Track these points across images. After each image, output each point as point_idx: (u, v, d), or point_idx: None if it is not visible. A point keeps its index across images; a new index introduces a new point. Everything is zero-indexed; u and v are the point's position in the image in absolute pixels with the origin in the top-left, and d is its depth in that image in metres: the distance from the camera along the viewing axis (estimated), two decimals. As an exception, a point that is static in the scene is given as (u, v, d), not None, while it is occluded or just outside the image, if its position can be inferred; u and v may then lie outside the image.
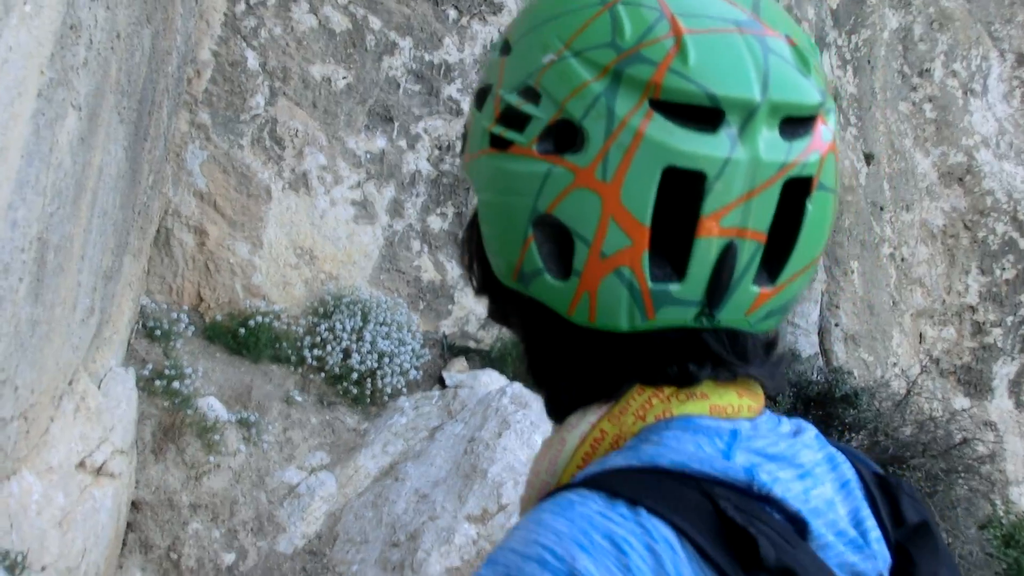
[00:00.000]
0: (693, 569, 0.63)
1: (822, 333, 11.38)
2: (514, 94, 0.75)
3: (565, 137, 0.71)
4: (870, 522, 0.79)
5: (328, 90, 6.36)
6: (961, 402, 12.54)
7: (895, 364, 11.90)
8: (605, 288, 0.71)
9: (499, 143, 0.76)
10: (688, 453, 0.70)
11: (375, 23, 6.70)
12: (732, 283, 0.71)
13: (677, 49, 0.68)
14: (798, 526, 0.70)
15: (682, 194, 0.69)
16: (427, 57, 6.93)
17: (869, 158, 12.44)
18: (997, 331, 13.25)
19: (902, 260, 12.92)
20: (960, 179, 13.59)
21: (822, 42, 11.78)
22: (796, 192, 0.72)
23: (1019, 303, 13.38)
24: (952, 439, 7.11)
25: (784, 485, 0.72)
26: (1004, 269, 13.44)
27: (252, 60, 5.96)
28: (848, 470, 0.83)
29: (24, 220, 2.39)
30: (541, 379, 0.85)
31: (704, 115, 0.68)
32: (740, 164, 0.68)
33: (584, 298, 0.73)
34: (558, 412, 0.83)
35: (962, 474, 6.79)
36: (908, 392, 7.62)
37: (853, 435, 7.56)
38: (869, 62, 12.69)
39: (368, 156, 6.54)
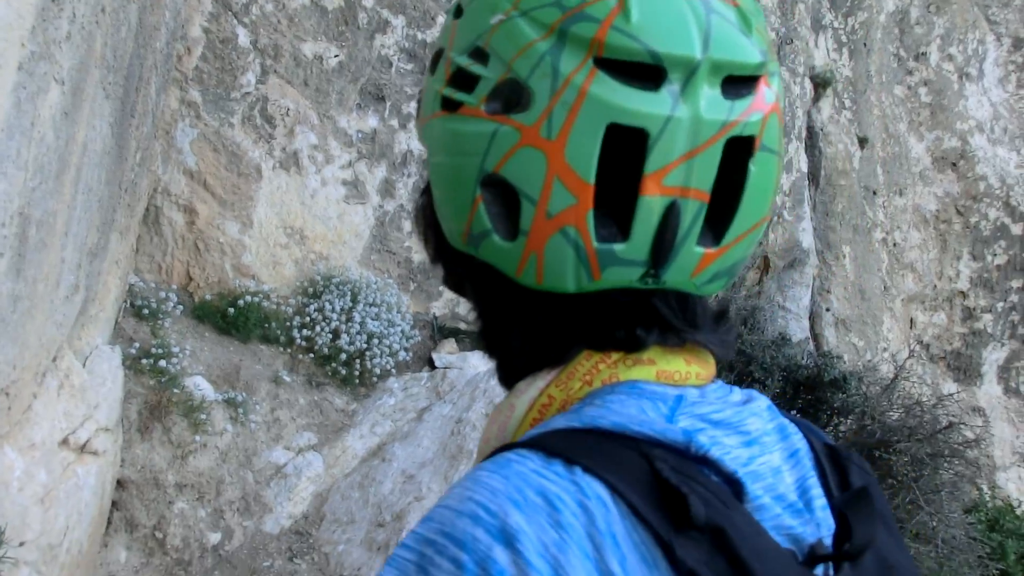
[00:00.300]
0: (625, 526, 0.63)
1: (813, 318, 11.41)
2: (464, 56, 0.75)
3: (512, 97, 0.71)
4: (816, 491, 0.80)
5: (320, 68, 6.31)
6: (950, 387, 12.61)
7: (885, 349, 11.94)
8: (551, 248, 0.71)
9: (450, 105, 0.76)
10: (629, 415, 0.70)
11: (367, 1, 6.65)
12: (676, 243, 0.71)
13: (620, 7, 0.68)
14: (735, 488, 0.71)
15: (626, 153, 0.69)
16: (420, 35, 6.89)
17: (863, 142, 12.42)
18: (987, 317, 13.30)
19: (894, 245, 12.94)
20: (954, 164, 13.59)
21: (818, 24, 11.73)
22: (739, 153, 0.72)
23: (1010, 289, 13.42)
24: (939, 423, 7.14)
25: (723, 448, 0.72)
26: (995, 255, 13.48)
27: (243, 37, 5.91)
28: (799, 440, 0.84)
29: (5, 194, 2.37)
30: (492, 345, 0.86)
31: (646, 73, 0.68)
32: (682, 122, 0.68)
33: (531, 259, 0.73)
34: (509, 378, 0.84)
35: (948, 458, 6.83)
36: (896, 377, 7.65)
37: (841, 419, 7.59)
38: (865, 45, 12.65)
39: (360, 135, 6.51)
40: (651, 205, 0.70)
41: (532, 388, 0.78)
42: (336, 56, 6.38)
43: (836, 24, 12.25)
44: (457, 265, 0.84)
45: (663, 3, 0.69)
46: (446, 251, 0.84)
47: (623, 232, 0.71)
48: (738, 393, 0.83)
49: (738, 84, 0.71)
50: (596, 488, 0.64)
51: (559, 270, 0.72)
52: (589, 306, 0.76)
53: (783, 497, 0.75)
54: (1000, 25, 14.54)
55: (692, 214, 0.71)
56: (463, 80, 0.75)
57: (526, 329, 0.80)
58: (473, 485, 0.65)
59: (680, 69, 0.68)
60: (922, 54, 13.82)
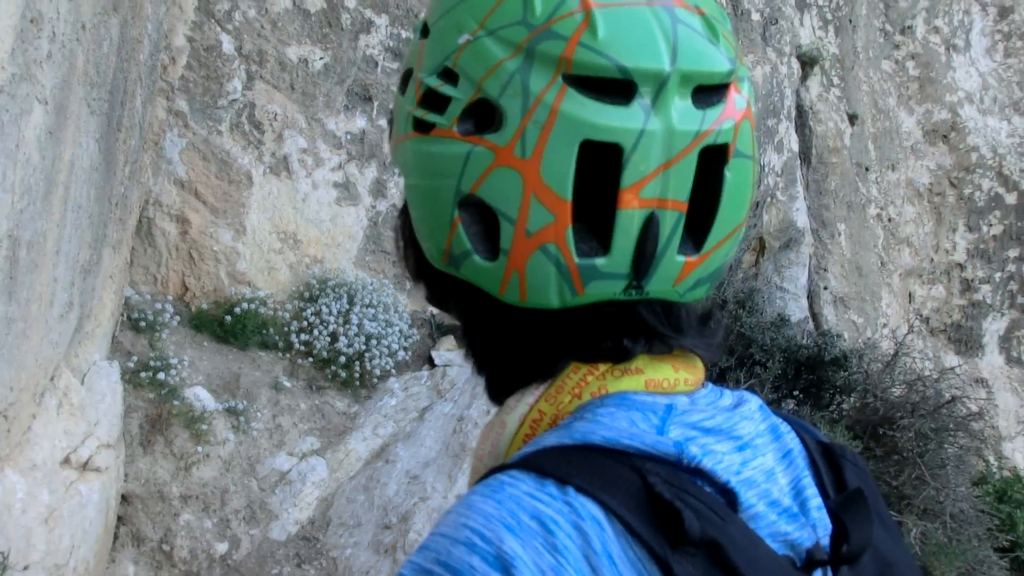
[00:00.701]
0: (621, 545, 0.63)
1: (811, 297, 11.42)
2: (434, 76, 0.75)
3: (484, 117, 0.71)
4: (811, 491, 0.80)
5: (305, 71, 6.29)
6: (952, 360, 12.62)
7: (885, 325, 11.95)
8: (533, 266, 0.72)
9: (422, 126, 0.76)
10: (620, 429, 0.70)
11: (350, 1, 6.62)
12: (657, 254, 0.72)
13: (587, 23, 0.68)
14: (728, 498, 0.71)
15: (601, 168, 0.69)
16: (404, 34, 6.87)
17: (853, 118, 12.41)
18: (986, 288, 13.31)
19: (889, 220, 12.93)
20: (945, 136, 13.58)
21: (803, 2, 11.71)
22: (714, 160, 0.73)
23: (1007, 259, 13.43)
24: (942, 398, 7.15)
25: (716, 457, 0.72)
26: (991, 225, 13.48)
27: (227, 44, 5.89)
28: (792, 440, 0.84)
29: (-7, 219, 2.36)
30: (481, 362, 0.86)
31: (616, 87, 0.69)
32: (655, 135, 0.68)
33: (514, 277, 0.73)
34: (498, 395, 0.84)
35: (952, 432, 6.84)
36: (896, 353, 7.65)
37: (844, 397, 7.60)
38: (851, 21, 12.62)
39: (348, 137, 6.50)
40: (630, 218, 0.70)
41: (522, 404, 0.78)
42: (321, 58, 6.36)
43: (821, 2, 12.23)
44: (439, 284, 0.84)
45: (629, 17, 0.69)
46: (427, 270, 0.83)
47: (603, 246, 0.71)
48: (729, 396, 0.83)
49: (708, 93, 0.72)
50: (590, 508, 0.64)
51: (542, 287, 0.73)
52: (574, 319, 0.76)
53: (778, 502, 0.75)
54: (986, -6, 14.53)
55: (671, 224, 0.71)
56: (434, 101, 0.75)
57: (513, 345, 0.80)
58: (467, 511, 0.64)
59: (650, 82, 0.68)
60: (908, 27, 13.80)
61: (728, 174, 0.74)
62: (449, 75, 0.74)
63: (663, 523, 0.64)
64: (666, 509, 0.64)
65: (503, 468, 0.69)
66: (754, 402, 0.84)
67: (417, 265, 0.86)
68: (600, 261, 0.71)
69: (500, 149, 0.70)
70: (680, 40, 0.69)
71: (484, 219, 0.73)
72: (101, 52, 3.23)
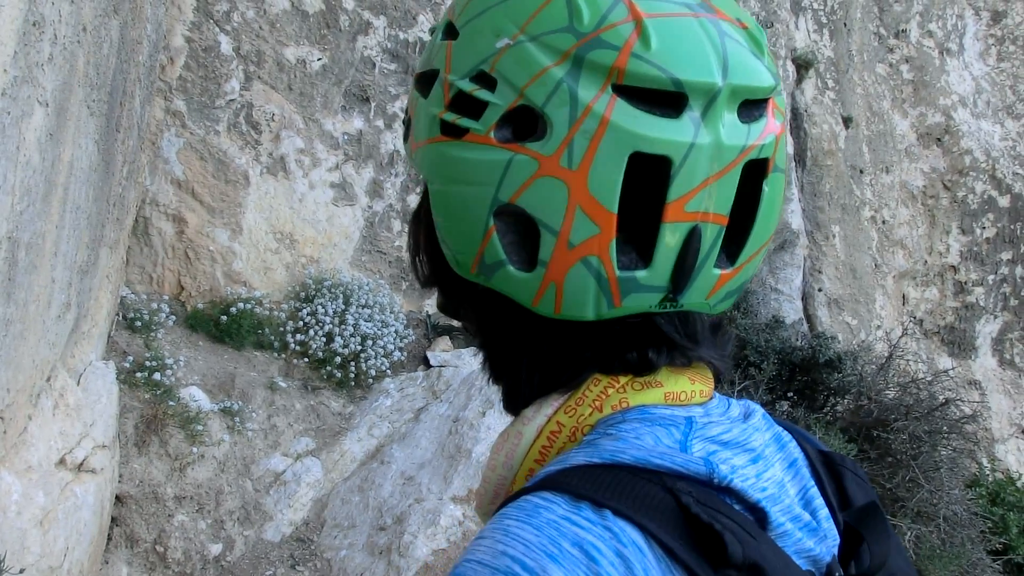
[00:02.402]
0: (662, 570, 0.62)
1: (805, 298, 11.44)
2: (466, 80, 0.72)
3: (525, 124, 0.70)
4: (818, 501, 0.80)
5: (303, 72, 6.29)
6: (945, 362, 12.64)
7: (879, 327, 11.97)
8: (572, 278, 0.71)
9: (452, 130, 0.73)
10: (648, 448, 0.69)
11: (348, 3, 6.63)
12: (696, 267, 0.71)
13: (638, 34, 0.67)
14: (757, 515, 0.70)
15: (646, 180, 0.69)
16: (402, 35, 6.87)
17: (847, 121, 12.44)
18: (979, 290, 13.34)
19: (883, 222, 12.96)
20: (938, 139, 13.62)
21: (798, 6, 11.74)
22: (754, 174, 0.73)
23: (1000, 261, 13.47)
24: (935, 400, 7.18)
25: (742, 474, 0.72)
26: (984, 228, 13.51)
27: (225, 45, 5.89)
28: (795, 449, 0.84)
29: (-8, 221, 2.36)
30: (499, 372, 0.84)
31: (668, 100, 0.68)
32: (704, 148, 0.68)
33: (550, 289, 0.72)
34: (515, 405, 0.82)
35: (946, 435, 6.86)
36: (890, 355, 7.68)
37: (838, 400, 7.63)
38: (845, 24, 12.66)
39: (345, 137, 6.50)
40: (673, 231, 0.69)
41: (540, 415, 0.76)
42: (319, 59, 6.36)
43: (816, 5, 12.26)
44: (457, 292, 0.82)
45: (679, 29, 0.68)
46: (445, 277, 0.81)
47: (644, 259, 0.71)
48: (736, 407, 0.83)
49: (752, 107, 0.72)
50: (631, 533, 0.63)
51: (579, 299, 0.72)
52: (602, 331, 0.75)
53: (799, 518, 0.75)
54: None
55: (712, 238, 0.71)
56: (466, 105, 0.73)
57: (535, 356, 0.79)
58: (504, 537, 0.62)
59: (701, 96, 0.67)
60: (902, 31, 13.82)
61: (766, 188, 0.74)
62: (485, 79, 0.71)
63: (702, 545, 0.63)
64: (705, 531, 0.63)
65: (533, 489, 0.67)
66: (759, 412, 0.84)
67: (432, 271, 0.84)
68: (641, 274, 0.71)
69: (544, 159, 0.68)
70: (729, 54, 0.69)
71: (522, 229, 0.71)
72: (101, 54, 3.23)
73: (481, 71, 0.72)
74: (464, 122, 0.72)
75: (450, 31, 0.77)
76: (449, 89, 0.74)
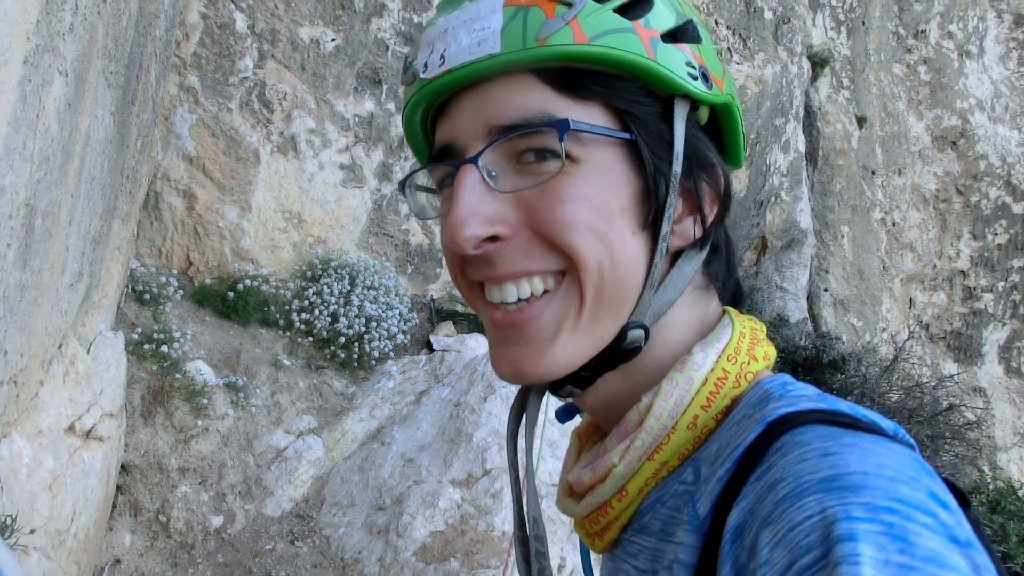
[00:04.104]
0: None
1: (811, 298, 11.44)
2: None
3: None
4: None
5: (317, 52, 6.32)
6: (951, 368, 12.62)
7: (884, 329, 11.96)
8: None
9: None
10: (843, 402, 0.65)
11: (364, -16, 6.64)
12: None
13: None
14: None
15: None
16: (415, 18, 6.88)
17: (861, 121, 12.40)
18: (988, 296, 13.29)
19: (893, 224, 12.92)
20: (953, 143, 13.54)
21: (816, 2, 11.69)
22: None
23: (1011, 268, 13.40)
24: (939, 405, 7.19)
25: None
26: (996, 234, 13.44)
27: (240, 22, 5.91)
28: None
29: (12, 187, 2.40)
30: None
31: None
32: None
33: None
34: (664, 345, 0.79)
35: (948, 440, 6.88)
36: (895, 358, 7.69)
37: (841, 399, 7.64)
38: (863, 23, 12.59)
39: (356, 119, 6.52)
40: None
41: (707, 361, 0.74)
42: (333, 40, 6.38)
43: (834, 2, 12.18)
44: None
45: None
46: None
47: None
48: None
49: None
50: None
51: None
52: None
53: None
54: (1001, 2, 14.43)
55: None
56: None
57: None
58: (870, 452, 0.56)
59: None
60: (921, 32, 13.73)
61: None
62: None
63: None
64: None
65: (800, 424, 0.62)
66: None
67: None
68: None
69: None
70: None
71: None
72: (120, 26, 3.27)
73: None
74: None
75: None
76: (705, 31, 0.80)
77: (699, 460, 0.70)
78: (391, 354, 5.85)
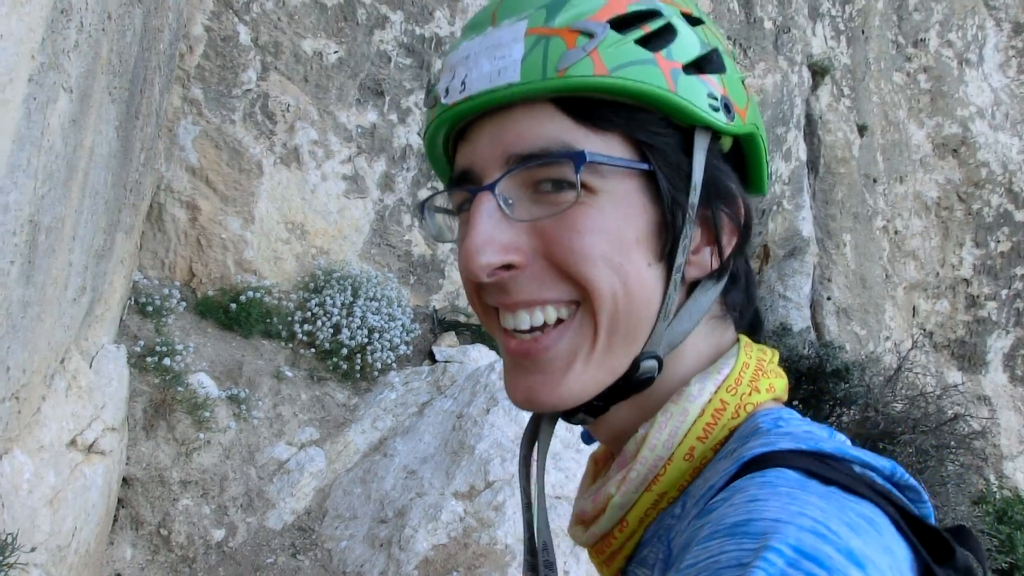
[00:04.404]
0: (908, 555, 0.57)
1: (814, 307, 11.42)
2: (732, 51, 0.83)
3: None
4: None
5: (319, 64, 6.33)
6: (955, 376, 12.58)
7: (888, 338, 11.94)
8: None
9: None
10: (831, 440, 0.66)
11: (367, -4, 6.66)
12: None
13: None
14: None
15: None
16: (418, 31, 6.90)
17: (862, 129, 12.39)
18: (992, 304, 13.26)
19: (895, 233, 12.90)
20: (955, 150, 13.53)
21: (816, 12, 11.71)
22: None
23: (1014, 276, 13.37)
24: (944, 414, 7.15)
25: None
26: (999, 242, 13.42)
27: (244, 35, 5.93)
28: None
29: (16, 204, 2.40)
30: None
31: None
32: None
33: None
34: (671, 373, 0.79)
35: (954, 450, 6.84)
36: (899, 367, 7.66)
37: (844, 410, 7.61)
38: (863, 32, 12.59)
39: (359, 130, 6.53)
40: None
41: (704, 392, 0.74)
42: (335, 52, 6.39)
43: (833, 11, 12.19)
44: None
45: None
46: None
47: None
48: None
49: None
50: (882, 515, 0.58)
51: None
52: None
53: None
54: (1000, 10, 14.43)
55: None
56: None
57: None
58: (797, 500, 0.56)
59: None
60: (921, 40, 13.73)
61: None
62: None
63: (924, 541, 0.58)
64: (923, 529, 0.59)
65: (763, 468, 0.61)
66: None
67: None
68: None
69: None
70: None
71: None
72: (124, 41, 3.28)
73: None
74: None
75: (695, 21, 0.78)
76: (732, 59, 0.79)
77: (687, 494, 0.70)
78: (393, 365, 5.85)
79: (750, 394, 0.74)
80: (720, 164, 0.76)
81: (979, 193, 13.55)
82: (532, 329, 0.73)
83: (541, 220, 0.71)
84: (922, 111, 13.71)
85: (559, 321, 0.73)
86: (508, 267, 0.72)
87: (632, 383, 0.76)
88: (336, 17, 6.42)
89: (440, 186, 0.86)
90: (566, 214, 0.70)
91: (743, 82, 0.78)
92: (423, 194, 6.84)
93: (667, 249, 0.72)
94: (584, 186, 0.70)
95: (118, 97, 3.34)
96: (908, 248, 13.21)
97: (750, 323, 0.84)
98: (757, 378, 0.75)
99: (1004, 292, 13.42)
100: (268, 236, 6.00)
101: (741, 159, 0.80)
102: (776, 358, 0.80)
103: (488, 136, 0.73)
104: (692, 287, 0.77)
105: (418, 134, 6.85)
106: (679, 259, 0.72)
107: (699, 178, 0.73)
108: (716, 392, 0.74)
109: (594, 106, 0.70)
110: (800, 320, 10.73)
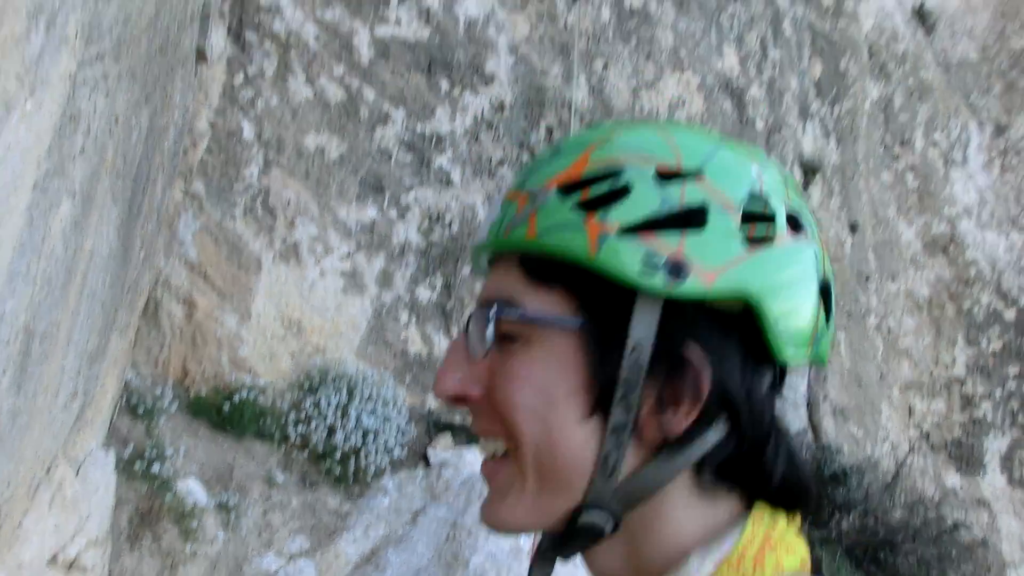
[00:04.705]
0: None
1: (811, 407, 11.33)
2: (745, 202, 0.76)
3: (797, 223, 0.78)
4: None
5: (321, 160, 6.36)
6: (953, 479, 12.43)
7: (885, 439, 11.82)
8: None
9: (759, 241, 0.76)
10: None
11: (369, 95, 6.74)
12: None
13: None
14: None
15: None
16: (419, 128, 6.96)
17: (854, 227, 12.54)
18: (986, 404, 13.20)
19: (888, 331, 12.92)
20: (944, 248, 13.68)
21: (806, 112, 11.96)
22: None
23: (1007, 376, 13.36)
24: (944, 522, 7.03)
25: None
26: (990, 341, 13.46)
27: (248, 130, 5.96)
28: None
29: (12, 312, 2.31)
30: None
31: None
32: None
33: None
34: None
35: (955, 561, 6.69)
36: (897, 473, 7.55)
37: (843, 515, 7.47)
38: (852, 132, 12.87)
39: (359, 226, 6.52)
40: None
41: (703, 569, 0.72)
42: (337, 148, 6.43)
43: (823, 112, 12.48)
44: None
45: None
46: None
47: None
48: None
49: None
50: None
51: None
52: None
53: None
54: (981, 112, 14.83)
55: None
56: (755, 219, 0.77)
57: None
58: None
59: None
60: (907, 140, 14.05)
61: None
62: (758, 199, 0.76)
63: None
64: None
65: None
66: None
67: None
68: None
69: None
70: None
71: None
72: (130, 143, 3.24)
73: (753, 194, 0.76)
74: (768, 231, 0.76)
75: (689, 175, 0.77)
76: (735, 213, 0.76)
77: None
78: (387, 468, 5.69)
79: (754, 571, 0.71)
80: (695, 329, 0.72)
81: (969, 291, 13.67)
82: (493, 455, 0.77)
83: (492, 363, 0.75)
84: (911, 209, 13.93)
85: (506, 453, 0.76)
86: (465, 399, 0.76)
87: (578, 531, 0.75)
88: (339, 114, 6.47)
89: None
90: (506, 362, 0.74)
91: (748, 239, 0.74)
92: (421, 291, 6.80)
93: (596, 407, 0.72)
94: (520, 337, 0.73)
95: (120, 197, 3.29)
96: (902, 347, 13.22)
97: (787, 489, 0.77)
98: (763, 553, 0.72)
99: (998, 391, 13.41)
100: (264, 333, 5.91)
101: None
102: (791, 529, 0.75)
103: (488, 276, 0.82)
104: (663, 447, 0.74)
105: (417, 230, 6.85)
106: (619, 417, 0.71)
107: (639, 339, 0.71)
108: (717, 570, 0.71)
109: (542, 264, 0.74)
110: (797, 420, 10.62)
